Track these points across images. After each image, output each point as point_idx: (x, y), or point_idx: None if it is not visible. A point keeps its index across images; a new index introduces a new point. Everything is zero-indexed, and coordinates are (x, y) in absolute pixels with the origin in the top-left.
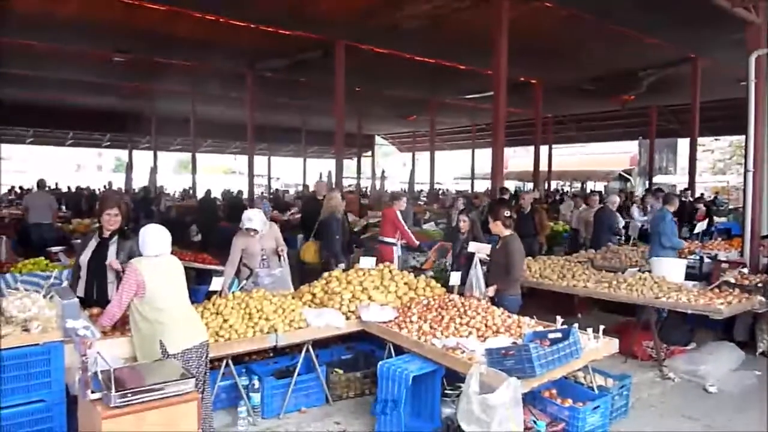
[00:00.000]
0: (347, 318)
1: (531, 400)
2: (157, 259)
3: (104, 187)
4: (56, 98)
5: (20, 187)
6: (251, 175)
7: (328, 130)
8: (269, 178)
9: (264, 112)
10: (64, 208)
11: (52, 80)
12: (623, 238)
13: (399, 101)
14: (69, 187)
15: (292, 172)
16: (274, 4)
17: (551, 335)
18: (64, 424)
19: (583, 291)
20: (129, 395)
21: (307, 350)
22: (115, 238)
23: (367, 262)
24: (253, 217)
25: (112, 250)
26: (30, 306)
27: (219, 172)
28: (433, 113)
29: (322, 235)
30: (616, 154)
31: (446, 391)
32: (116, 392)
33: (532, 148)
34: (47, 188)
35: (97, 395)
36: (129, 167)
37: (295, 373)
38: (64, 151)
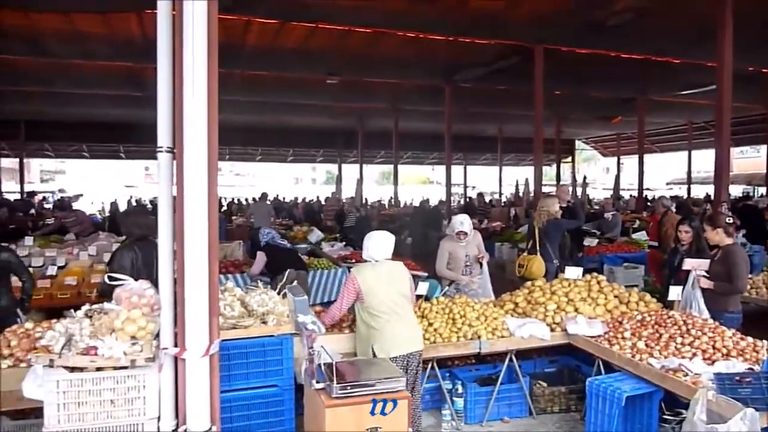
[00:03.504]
0: (551, 330)
1: None
2: (378, 266)
3: (317, 198)
4: (280, 120)
5: (238, 199)
6: (448, 185)
7: (525, 136)
8: (465, 187)
9: (460, 122)
10: (287, 218)
11: (277, 104)
12: None
13: (602, 103)
14: (283, 198)
15: (487, 180)
16: (471, 15)
17: None
18: (292, 409)
19: None
20: (348, 388)
21: (510, 360)
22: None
23: (572, 272)
24: (464, 221)
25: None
26: (267, 301)
27: (417, 183)
28: (641, 113)
29: (542, 244)
30: None
31: (665, 416)
32: (337, 384)
33: (764, 148)
34: (268, 199)
35: (321, 385)
36: (338, 179)
37: (498, 382)
38: (285, 167)
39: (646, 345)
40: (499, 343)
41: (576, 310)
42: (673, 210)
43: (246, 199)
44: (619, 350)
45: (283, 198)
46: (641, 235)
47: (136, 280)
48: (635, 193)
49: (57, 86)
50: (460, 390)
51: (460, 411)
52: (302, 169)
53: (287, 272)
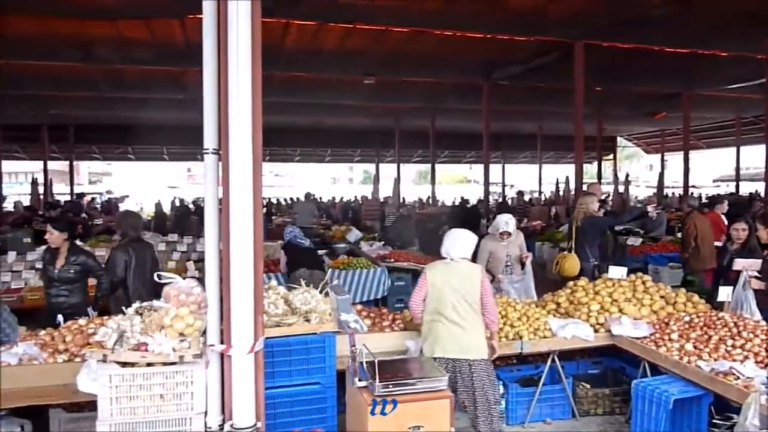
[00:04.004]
0: (595, 330)
1: None
2: (451, 265)
3: (355, 197)
4: (318, 120)
5: (277, 199)
6: (486, 184)
7: (565, 134)
8: (503, 186)
9: (499, 120)
10: (323, 216)
11: (314, 105)
12: None
13: (645, 98)
14: (320, 197)
15: (526, 178)
16: (509, 12)
17: None
18: (335, 406)
19: None
20: (390, 386)
21: (553, 360)
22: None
23: (616, 271)
24: (509, 222)
25: None
26: (310, 300)
27: (455, 182)
28: (687, 109)
29: (579, 243)
30: None
31: (714, 421)
32: (380, 382)
33: None
34: (312, 198)
35: (363, 383)
36: (376, 179)
37: (540, 383)
38: (323, 167)
39: (695, 347)
40: (541, 344)
41: (620, 310)
42: (725, 208)
43: (285, 200)
44: (666, 352)
45: (320, 198)
46: None
47: (127, 279)
48: (680, 191)
49: (103, 91)
50: (502, 390)
51: (501, 411)
52: (339, 169)
53: (298, 271)
